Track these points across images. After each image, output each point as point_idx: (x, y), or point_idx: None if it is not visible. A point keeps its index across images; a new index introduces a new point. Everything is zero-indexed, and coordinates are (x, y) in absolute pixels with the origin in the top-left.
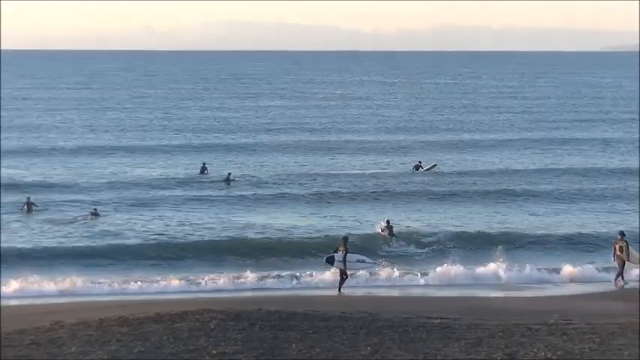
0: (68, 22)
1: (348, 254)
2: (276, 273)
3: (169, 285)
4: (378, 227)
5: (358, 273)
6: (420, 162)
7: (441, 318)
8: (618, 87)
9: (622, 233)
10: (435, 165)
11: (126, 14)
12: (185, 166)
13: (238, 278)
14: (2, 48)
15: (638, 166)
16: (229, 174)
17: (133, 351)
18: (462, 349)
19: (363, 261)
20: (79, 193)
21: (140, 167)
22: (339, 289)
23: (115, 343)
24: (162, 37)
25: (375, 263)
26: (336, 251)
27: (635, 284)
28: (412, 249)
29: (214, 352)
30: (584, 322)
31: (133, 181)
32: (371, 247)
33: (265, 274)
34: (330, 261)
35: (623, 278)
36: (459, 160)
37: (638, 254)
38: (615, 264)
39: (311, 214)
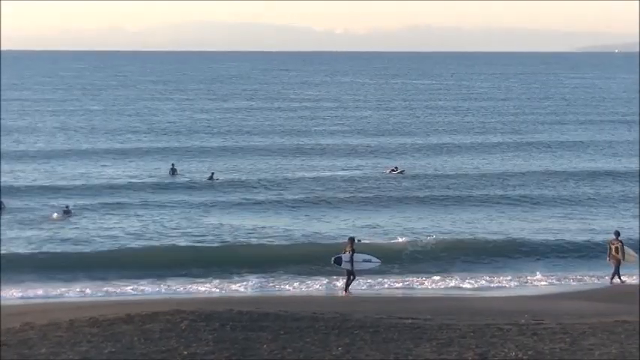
0: (39, 22)
1: (354, 254)
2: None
3: (139, 287)
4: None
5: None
6: (396, 167)
7: (412, 318)
8: (594, 87)
9: (617, 233)
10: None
11: (96, 14)
12: (153, 169)
13: (204, 283)
14: None
15: (610, 168)
16: (212, 173)
17: (104, 352)
18: (433, 350)
19: (369, 260)
20: (49, 195)
21: (110, 169)
22: (346, 289)
23: (86, 344)
24: (133, 38)
25: (380, 262)
26: (343, 252)
27: (634, 281)
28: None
29: (185, 352)
30: (554, 322)
31: (104, 184)
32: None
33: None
34: (338, 262)
35: (620, 277)
36: (428, 163)
37: (633, 254)
38: (610, 264)
39: (276, 215)
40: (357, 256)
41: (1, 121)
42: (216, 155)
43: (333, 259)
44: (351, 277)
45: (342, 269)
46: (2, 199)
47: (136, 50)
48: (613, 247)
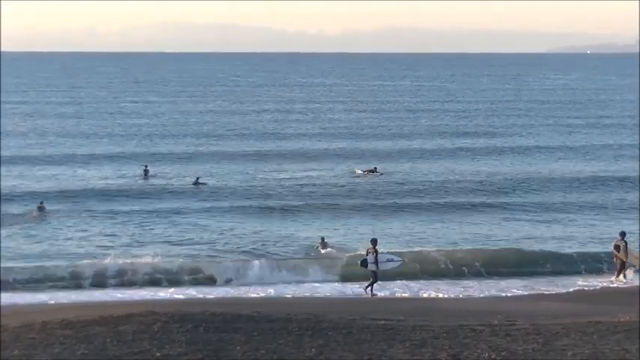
0: (12, 23)
1: (378, 255)
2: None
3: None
4: (318, 246)
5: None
6: (375, 168)
7: (385, 319)
8: (566, 88)
9: (622, 234)
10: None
11: (68, 15)
12: (124, 172)
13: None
14: None
15: (589, 173)
16: (197, 178)
17: (77, 353)
18: (406, 350)
19: (391, 260)
20: (17, 201)
21: (81, 174)
22: (368, 290)
23: (59, 345)
24: (105, 39)
25: (402, 261)
26: (366, 254)
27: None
28: None
29: (158, 354)
30: (527, 323)
31: (77, 187)
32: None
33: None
34: (364, 264)
35: (625, 276)
36: (397, 168)
37: (637, 255)
38: (615, 263)
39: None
40: (381, 257)
41: None
42: (188, 159)
43: (359, 262)
44: (375, 279)
45: (368, 271)
46: None
47: (108, 51)
48: (617, 246)
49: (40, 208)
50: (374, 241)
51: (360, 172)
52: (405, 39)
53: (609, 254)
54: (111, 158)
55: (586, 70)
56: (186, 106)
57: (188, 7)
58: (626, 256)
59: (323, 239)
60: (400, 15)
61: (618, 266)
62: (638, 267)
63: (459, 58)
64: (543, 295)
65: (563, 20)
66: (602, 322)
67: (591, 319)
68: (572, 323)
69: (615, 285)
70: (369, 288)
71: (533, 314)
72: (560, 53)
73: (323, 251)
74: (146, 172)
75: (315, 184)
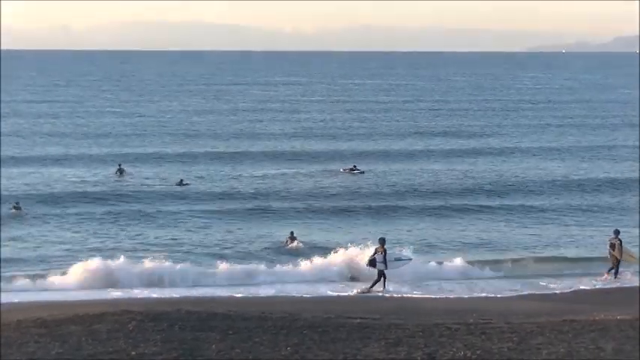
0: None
1: (387, 254)
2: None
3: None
4: (287, 241)
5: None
6: (354, 165)
7: (361, 318)
8: (536, 89)
9: (616, 232)
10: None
11: (39, 13)
12: (99, 171)
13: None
14: None
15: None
16: (182, 179)
17: (51, 352)
18: (382, 349)
19: (399, 259)
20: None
21: (56, 172)
22: (374, 288)
23: (33, 344)
24: (77, 37)
25: (411, 259)
26: (374, 254)
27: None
28: None
29: (133, 353)
30: (502, 322)
31: (50, 189)
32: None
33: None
34: (373, 264)
35: (616, 275)
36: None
37: (632, 254)
38: (610, 260)
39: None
40: (389, 255)
41: None
42: (161, 160)
43: (367, 262)
44: (382, 278)
45: (375, 270)
46: None
47: (80, 50)
48: (611, 244)
49: (16, 208)
50: (382, 240)
51: (341, 170)
52: (379, 37)
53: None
54: (87, 158)
55: (575, 70)
56: (162, 105)
57: (163, 6)
58: (621, 254)
59: (292, 233)
60: (374, 14)
61: (612, 265)
62: (638, 262)
63: (431, 57)
64: (522, 295)
65: (535, 19)
66: (576, 321)
67: (566, 317)
68: (547, 322)
69: (599, 284)
70: (381, 286)
71: (508, 313)
72: (534, 52)
73: (291, 246)
74: (121, 170)
75: (291, 183)
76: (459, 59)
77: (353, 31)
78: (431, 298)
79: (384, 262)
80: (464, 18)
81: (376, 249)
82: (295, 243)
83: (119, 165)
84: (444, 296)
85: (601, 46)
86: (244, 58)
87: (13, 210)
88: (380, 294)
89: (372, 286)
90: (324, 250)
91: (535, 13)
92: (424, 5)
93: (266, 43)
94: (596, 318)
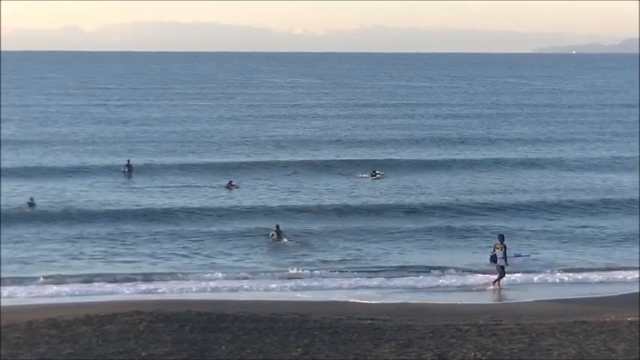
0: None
1: (506, 250)
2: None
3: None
4: (272, 235)
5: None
6: (374, 170)
7: (371, 319)
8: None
9: (501, 237)
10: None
11: (52, 14)
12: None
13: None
14: None
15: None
16: (230, 181)
17: (62, 353)
18: (392, 350)
19: (519, 255)
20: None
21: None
22: (497, 284)
23: (44, 345)
24: (90, 38)
25: (529, 255)
26: (494, 250)
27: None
28: None
29: (144, 353)
30: (513, 323)
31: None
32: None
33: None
34: (494, 260)
35: (498, 281)
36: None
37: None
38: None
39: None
40: (509, 252)
41: None
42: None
43: (489, 257)
44: (503, 274)
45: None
46: None
47: (92, 50)
48: (497, 250)
49: (31, 205)
50: (501, 237)
51: (365, 175)
52: (388, 38)
53: None
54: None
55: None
56: (165, 109)
57: (174, 7)
58: (506, 260)
59: (278, 227)
60: (384, 15)
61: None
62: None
63: (441, 58)
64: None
65: (546, 21)
66: (587, 322)
67: (577, 319)
68: (558, 323)
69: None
70: (497, 282)
71: (519, 314)
72: (545, 54)
73: (278, 241)
74: (129, 167)
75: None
76: (482, 60)
77: (363, 33)
78: (440, 298)
79: (504, 258)
80: (473, 19)
81: (495, 245)
82: (282, 239)
83: (128, 161)
84: (453, 297)
85: (612, 47)
86: (254, 58)
87: (28, 207)
88: (490, 287)
89: (495, 282)
90: (324, 249)
91: (543, 14)
92: (437, 5)
93: (275, 44)
94: (607, 319)
